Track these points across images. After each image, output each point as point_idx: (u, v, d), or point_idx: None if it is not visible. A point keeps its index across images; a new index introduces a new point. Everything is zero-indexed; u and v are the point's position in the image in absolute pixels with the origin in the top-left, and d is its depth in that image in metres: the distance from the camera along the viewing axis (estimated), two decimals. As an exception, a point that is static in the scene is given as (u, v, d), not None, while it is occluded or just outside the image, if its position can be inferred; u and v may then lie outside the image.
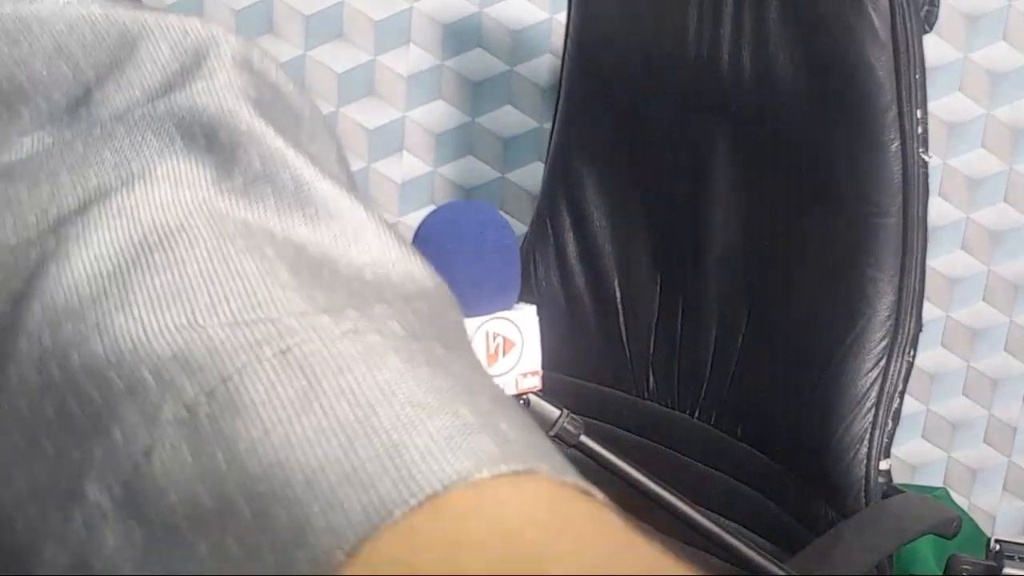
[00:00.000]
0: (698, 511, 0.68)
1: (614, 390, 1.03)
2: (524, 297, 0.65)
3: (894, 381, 0.79)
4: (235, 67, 0.24)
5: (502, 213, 0.70)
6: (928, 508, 0.81)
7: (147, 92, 0.23)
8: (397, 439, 0.16)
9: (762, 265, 0.90)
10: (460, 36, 1.37)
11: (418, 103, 1.40)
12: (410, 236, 0.65)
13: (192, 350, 0.17)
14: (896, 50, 0.78)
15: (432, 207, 0.80)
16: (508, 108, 1.40)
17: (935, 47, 1.30)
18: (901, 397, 0.80)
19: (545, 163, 1.11)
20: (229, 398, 0.16)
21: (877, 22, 0.78)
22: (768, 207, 0.89)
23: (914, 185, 0.79)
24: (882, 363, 0.79)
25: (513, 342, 0.63)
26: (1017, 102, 1.33)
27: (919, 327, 0.80)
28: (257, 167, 0.21)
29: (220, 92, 0.23)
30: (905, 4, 0.77)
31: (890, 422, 0.79)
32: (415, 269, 0.22)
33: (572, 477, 0.16)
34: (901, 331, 0.79)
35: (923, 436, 1.47)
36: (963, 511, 1.43)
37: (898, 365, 0.79)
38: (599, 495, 0.17)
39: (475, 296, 0.62)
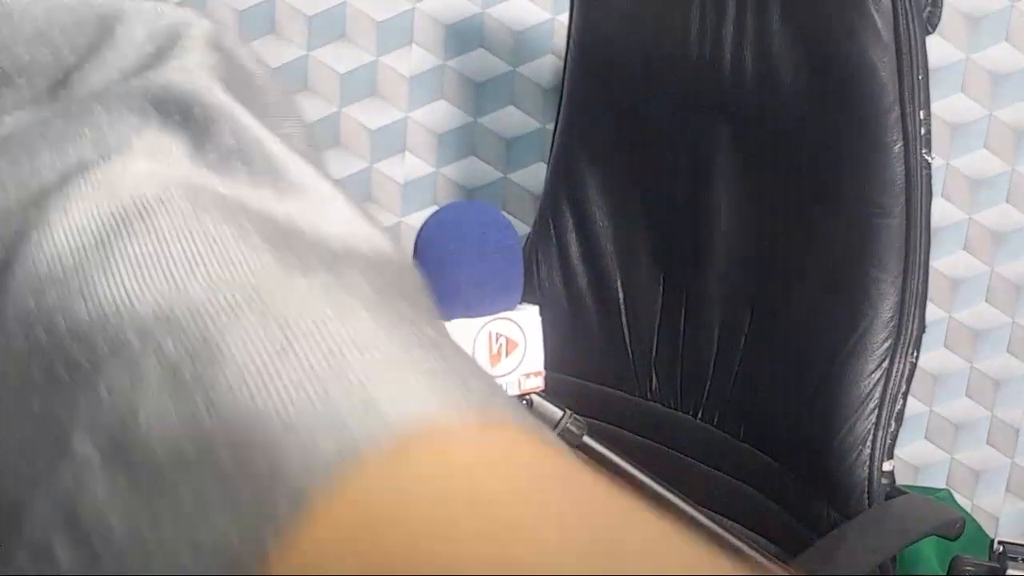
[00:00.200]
0: (701, 512, 0.68)
1: (616, 391, 1.03)
2: (527, 297, 0.65)
3: (897, 382, 0.79)
4: (207, 48, 0.25)
5: (504, 213, 0.70)
6: (931, 509, 0.81)
7: (124, 72, 0.24)
8: (369, 386, 0.16)
9: (765, 265, 0.90)
10: (462, 37, 1.37)
11: (420, 103, 1.40)
12: (413, 236, 0.65)
13: (174, 311, 0.18)
14: (899, 51, 0.78)
15: (435, 207, 0.80)
16: (510, 108, 1.40)
17: (938, 48, 1.30)
18: (904, 398, 0.80)
19: (547, 163, 1.11)
20: (211, 356, 0.17)
21: (880, 23, 0.78)
22: (771, 207, 0.89)
23: (917, 186, 0.79)
24: (885, 364, 0.79)
25: (516, 343, 0.63)
26: (1019, 103, 1.33)
27: (922, 328, 0.80)
28: (230, 142, 0.22)
29: (193, 70, 0.24)
30: (908, 5, 0.77)
31: (893, 423, 0.79)
32: (381, 242, 0.22)
33: (539, 431, 0.17)
34: (904, 332, 0.79)
35: (926, 437, 1.47)
36: (966, 512, 1.43)
37: (901, 366, 0.79)
38: (565, 448, 0.17)
39: (478, 296, 0.62)
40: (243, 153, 0.22)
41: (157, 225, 0.19)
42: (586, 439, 0.67)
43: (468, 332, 0.61)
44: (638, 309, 1.02)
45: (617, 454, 0.68)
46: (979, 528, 1.40)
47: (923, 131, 0.79)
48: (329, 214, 0.22)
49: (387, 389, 0.16)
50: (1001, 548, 1.24)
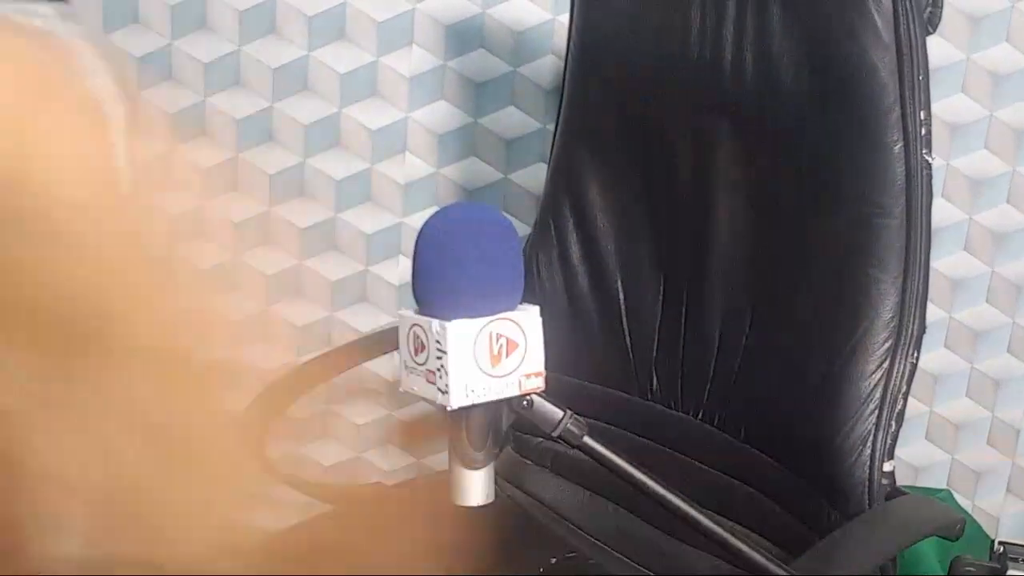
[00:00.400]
0: (701, 512, 0.68)
1: (617, 391, 1.03)
2: (527, 298, 0.65)
3: (897, 382, 0.79)
4: None
5: (505, 214, 0.70)
6: (932, 510, 0.81)
7: None
8: None
9: (765, 266, 0.90)
10: (463, 37, 1.37)
11: (421, 104, 1.40)
12: (413, 237, 0.65)
13: None
14: (899, 51, 0.78)
15: (435, 208, 0.79)
16: (511, 109, 1.40)
17: (938, 48, 1.30)
18: (905, 399, 0.79)
19: (548, 164, 1.11)
20: None
21: (880, 24, 0.78)
22: (771, 208, 0.89)
23: (917, 186, 0.79)
24: (885, 364, 0.79)
25: (516, 343, 0.63)
26: (1020, 103, 1.33)
27: (923, 328, 0.80)
28: None
29: None
30: (908, 5, 0.77)
31: (893, 424, 0.79)
32: None
33: None
34: (904, 332, 0.79)
35: (927, 438, 1.47)
36: (967, 513, 1.43)
37: (902, 366, 0.79)
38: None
39: (478, 297, 0.62)
40: None
41: None
42: (586, 439, 0.67)
43: (468, 333, 0.61)
44: (639, 309, 1.02)
45: (618, 454, 0.68)
46: (980, 529, 1.40)
47: (923, 131, 0.79)
48: None
49: None
50: (1001, 548, 1.24)
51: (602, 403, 1.03)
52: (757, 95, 0.86)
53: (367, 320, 1.49)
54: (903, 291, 0.79)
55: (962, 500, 1.47)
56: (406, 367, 0.64)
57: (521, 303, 0.65)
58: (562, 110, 1.08)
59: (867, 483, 0.78)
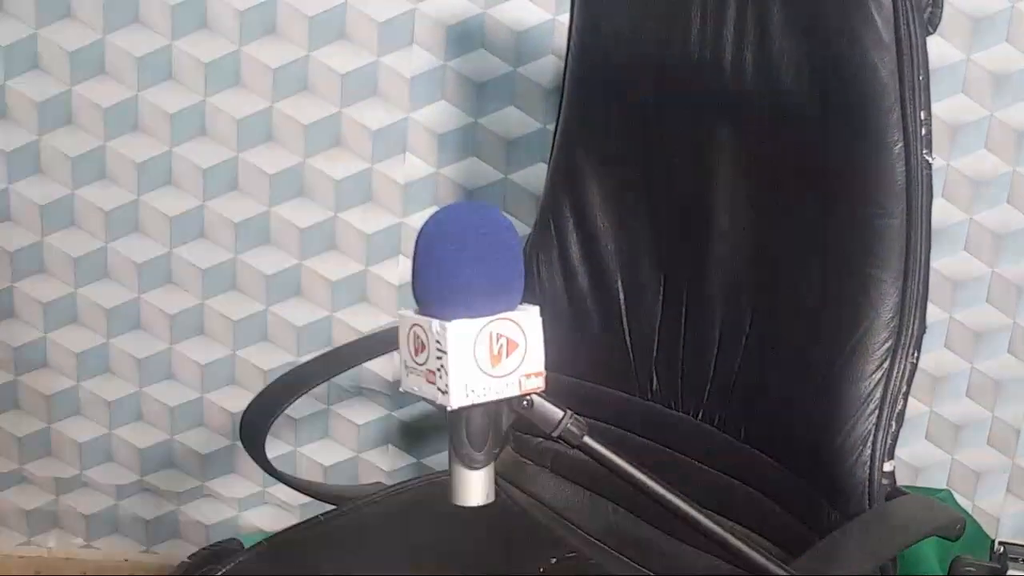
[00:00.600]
0: (701, 512, 0.68)
1: (617, 391, 1.03)
2: (527, 298, 0.65)
3: (898, 383, 0.79)
4: None
5: (505, 214, 0.70)
6: (932, 510, 0.81)
7: None
8: None
9: (765, 266, 0.90)
10: (463, 37, 1.37)
11: (421, 104, 1.40)
12: (413, 237, 0.65)
13: None
14: (899, 52, 0.78)
15: (435, 208, 0.80)
16: (511, 109, 1.40)
17: (938, 48, 1.30)
18: (905, 399, 0.79)
19: (548, 164, 1.11)
20: None
21: (880, 24, 0.78)
22: (771, 208, 0.89)
23: (918, 186, 0.79)
24: (886, 365, 0.79)
25: (516, 343, 0.63)
26: (1020, 103, 1.33)
27: (923, 328, 0.80)
28: None
29: None
30: (908, 6, 0.77)
31: (894, 424, 0.79)
32: None
33: None
34: (905, 333, 0.79)
35: (927, 438, 1.47)
36: (967, 513, 1.43)
37: (902, 367, 0.79)
38: None
39: (478, 297, 0.62)
40: None
41: None
42: (586, 439, 0.67)
43: (468, 333, 0.61)
44: (639, 309, 1.02)
45: (618, 454, 0.68)
46: (980, 529, 1.40)
47: (924, 131, 0.78)
48: None
49: None
50: (1002, 549, 1.24)
51: (602, 403, 1.03)
52: (757, 95, 0.86)
53: (367, 320, 1.49)
54: (903, 291, 0.79)
55: (962, 500, 1.47)
56: (406, 367, 0.65)
57: (521, 303, 0.65)
58: (562, 110, 1.08)
59: (867, 483, 0.78)
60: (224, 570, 0.90)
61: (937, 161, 1.06)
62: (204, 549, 0.94)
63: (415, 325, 0.63)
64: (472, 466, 0.65)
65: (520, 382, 0.63)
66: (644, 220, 1.01)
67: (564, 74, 1.07)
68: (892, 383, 0.79)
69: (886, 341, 0.79)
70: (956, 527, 0.78)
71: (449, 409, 0.62)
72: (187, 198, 1.45)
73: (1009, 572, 1.20)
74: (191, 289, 1.49)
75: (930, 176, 0.79)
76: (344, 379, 1.49)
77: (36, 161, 1.43)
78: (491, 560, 0.98)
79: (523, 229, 1.15)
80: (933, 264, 0.84)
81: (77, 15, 1.37)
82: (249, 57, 1.38)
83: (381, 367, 1.50)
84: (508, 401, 0.64)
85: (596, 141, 1.04)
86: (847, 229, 0.81)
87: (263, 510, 1.61)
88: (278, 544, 0.96)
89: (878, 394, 0.79)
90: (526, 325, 0.63)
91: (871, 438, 0.79)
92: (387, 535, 1.01)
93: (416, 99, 1.40)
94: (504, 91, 1.39)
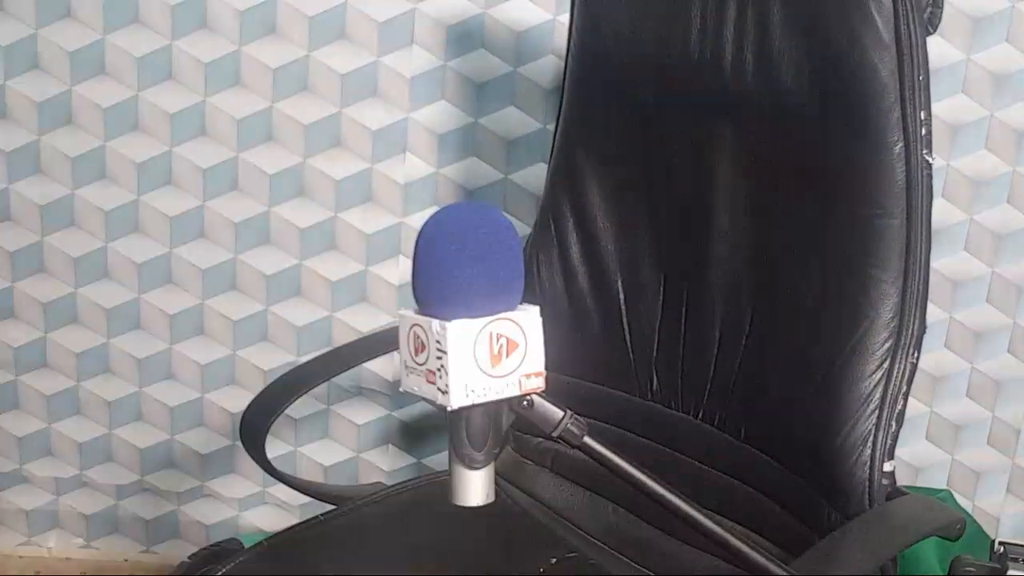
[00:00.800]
0: (701, 512, 0.68)
1: (617, 391, 1.03)
2: (527, 298, 0.65)
3: (898, 383, 0.79)
4: None
5: (505, 214, 0.70)
6: (932, 510, 0.81)
7: None
8: None
9: (765, 266, 0.90)
10: (463, 37, 1.37)
11: (421, 104, 1.40)
12: (413, 237, 0.65)
13: None
14: (899, 52, 0.78)
15: (435, 208, 0.80)
16: (511, 109, 1.40)
17: (938, 48, 1.29)
18: (905, 399, 0.79)
19: (548, 164, 1.11)
20: None
21: (880, 24, 0.78)
22: (771, 208, 0.89)
23: (918, 186, 0.79)
24: (886, 365, 0.79)
25: (517, 343, 0.63)
26: (1020, 104, 1.33)
27: (923, 329, 0.80)
28: None
29: None
30: (908, 6, 0.77)
31: (894, 424, 0.79)
32: None
33: None
34: (905, 333, 0.79)
35: (927, 438, 1.47)
36: (967, 513, 1.43)
37: (902, 367, 0.79)
38: None
39: (478, 297, 0.62)
40: None
41: None
42: (587, 439, 0.67)
43: (468, 333, 0.61)
44: (639, 309, 1.02)
45: (618, 454, 0.68)
46: (980, 529, 1.40)
47: (924, 132, 0.78)
48: None
49: None
50: (1002, 549, 1.24)
51: (602, 403, 1.03)
52: (757, 95, 0.86)
53: (367, 320, 1.49)
54: (903, 291, 0.79)
55: (962, 500, 1.47)
56: (406, 367, 0.65)
57: (521, 303, 0.65)
58: (562, 110, 1.08)
59: (867, 483, 0.78)
60: (224, 570, 0.90)
61: (937, 161, 1.06)
62: (204, 549, 0.94)
63: (415, 325, 0.63)
64: (472, 466, 0.65)
65: (520, 382, 0.63)
66: (644, 220, 1.01)
67: (564, 74, 1.07)
68: (892, 383, 0.79)
69: (886, 341, 0.79)
70: (956, 527, 0.78)
71: (449, 409, 0.62)
72: (187, 198, 1.45)
73: (1009, 572, 1.20)
74: (191, 289, 1.49)
75: (930, 176, 0.79)
76: (344, 379, 1.49)
77: (36, 161, 1.43)
78: (491, 560, 0.98)
79: (523, 229, 1.15)
80: (933, 264, 0.84)
81: (77, 15, 1.37)
82: (249, 57, 1.38)
83: (381, 367, 1.50)
84: (508, 401, 0.64)
85: (596, 141, 1.04)
86: (847, 229, 0.81)
87: (263, 510, 1.61)
88: (278, 544, 0.96)
89: (878, 394, 0.79)
90: (526, 325, 0.63)
91: (871, 438, 0.79)
92: (387, 535, 1.01)
93: (416, 99, 1.40)
94: (504, 91, 1.39)
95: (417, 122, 1.41)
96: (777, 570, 0.66)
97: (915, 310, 0.79)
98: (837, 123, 0.81)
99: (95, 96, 1.40)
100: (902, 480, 0.80)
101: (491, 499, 0.67)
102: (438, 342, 0.61)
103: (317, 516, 1.01)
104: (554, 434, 0.66)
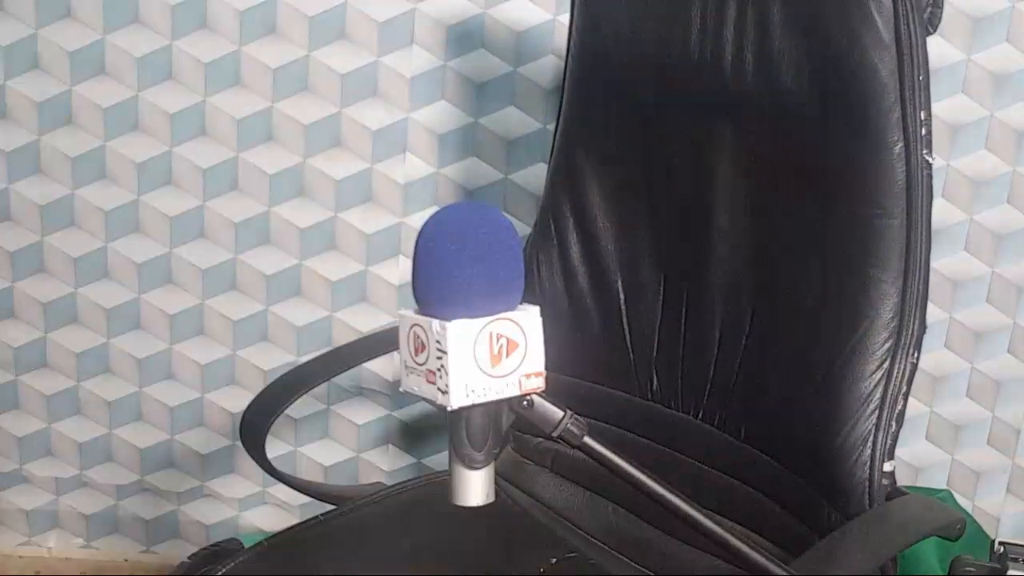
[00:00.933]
0: (701, 512, 0.68)
1: (617, 391, 1.03)
2: (527, 298, 0.65)
3: (898, 383, 0.79)
4: None
5: (505, 214, 0.70)
6: (932, 510, 0.81)
7: None
8: None
9: (766, 266, 0.90)
10: (463, 37, 1.37)
11: (421, 104, 1.40)
12: (413, 237, 0.65)
13: None
14: (899, 52, 0.78)
15: (435, 208, 0.80)
16: (511, 109, 1.40)
17: (938, 48, 1.30)
18: (905, 399, 0.79)
19: (548, 164, 1.11)
20: None
21: (880, 24, 0.78)
22: (771, 208, 0.89)
23: (918, 186, 0.79)
24: (886, 365, 0.79)
25: (517, 343, 0.63)
26: (1020, 104, 1.33)
27: (923, 329, 0.80)
28: None
29: None
30: (908, 6, 0.77)
31: (894, 424, 0.79)
32: None
33: None
34: (905, 333, 0.79)
35: (927, 438, 1.47)
36: (967, 513, 1.43)
37: (902, 367, 0.79)
38: None
39: (479, 297, 0.62)
40: None
41: None
42: (587, 439, 0.67)
43: (468, 333, 0.61)
44: (639, 309, 1.02)
45: (618, 454, 0.68)
46: (980, 529, 1.40)
47: (924, 132, 0.78)
48: None
49: None
50: (1002, 549, 1.24)
51: (602, 403, 1.03)
52: (757, 95, 0.86)
53: (367, 320, 1.49)
54: (903, 291, 0.79)
55: (962, 500, 1.47)
56: (406, 367, 0.65)
57: (521, 303, 0.65)
58: (562, 110, 1.08)
59: (867, 483, 0.78)
60: (224, 570, 0.90)
61: (937, 161, 1.07)
62: (204, 549, 0.94)
63: (415, 325, 0.63)
64: (472, 466, 0.65)
65: (520, 382, 0.63)
66: (644, 220, 1.01)
67: (564, 74, 1.07)
68: (892, 383, 0.79)
69: (886, 341, 0.79)
70: (956, 527, 0.78)
71: (449, 409, 0.62)
72: (187, 198, 1.45)
73: (1009, 572, 1.20)
74: (191, 289, 1.49)
75: (930, 176, 0.79)
76: (344, 379, 1.49)
77: (36, 161, 1.43)
78: (491, 560, 0.98)
79: (523, 229, 1.15)
80: (933, 264, 0.84)
81: (77, 15, 1.37)
82: (249, 57, 1.38)
83: (381, 367, 1.50)
84: (508, 401, 0.64)
85: (596, 141, 1.04)
86: (847, 229, 0.81)
87: (263, 510, 1.61)
88: (278, 544, 0.96)
89: (878, 394, 0.79)
90: (526, 325, 0.63)
91: (871, 438, 0.79)
92: (387, 535, 1.01)
93: (416, 99, 1.40)
94: (504, 91, 1.39)
95: (417, 122, 1.41)
96: (777, 570, 0.67)
97: (915, 310, 0.79)
98: (837, 123, 0.81)
99: (95, 96, 1.40)
100: (902, 480, 0.80)
101: (491, 499, 0.67)
102: (438, 342, 0.61)
103: (317, 516, 1.01)
104: (554, 434, 0.66)
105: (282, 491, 1.57)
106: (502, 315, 0.62)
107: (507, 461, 1.13)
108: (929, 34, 0.79)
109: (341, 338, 1.49)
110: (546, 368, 0.64)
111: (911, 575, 1.23)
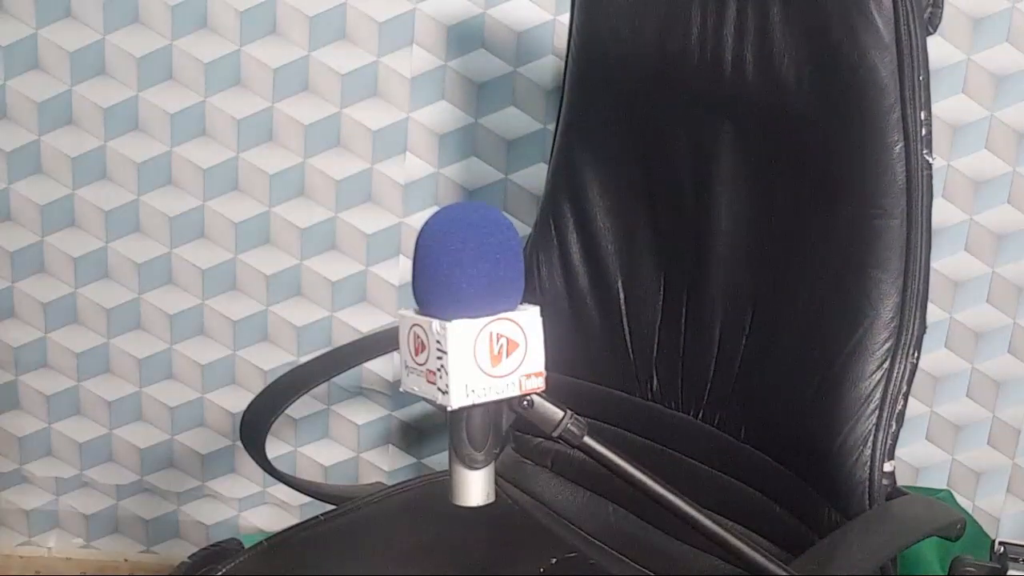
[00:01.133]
0: (701, 512, 0.68)
1: (617, 391, 1.03)
2: (527, 298, 0.65)
3: (898, 383, 0.79)
4: None
5: (505, 214, 0.70)
6: (932, 510, 0.81)
7: None
8: None
9: (766, 266, 0.90)
10: (463, 37, 1.37)
11: (421, 104, 1.40)
12: (413, 237, 0.65)
13: None
14: (900, 52, 0.78)
15: (435, 208, 0.80)
16: (511, 109, 1.40)
17: (939, 48, 1.30)
18: (905, 399, 0.79)
19: (548, 164, 1.11)
20: None
21: (880, 24, 0.78)
22: (772, 208, 0.89)
23: (918, 187, 0.79)
24: (886, 365, 0.79)
25: (517, 343, 0.63)
26: (1021, 104, 1.33)
27: (923, 329, 0.80)
28: None
29: None
30: (908, 6, 0.77)
31: (894, 424, 0.79)
32: None
33: None
34: (905, 333, 0.79)
35: (927, 438, 1.47)
36: (967, 513, 1.43)
37: (902, 367, 0.79)
38: None
39: (479, 297, 0.62)
40: None
41: None
42: (587, 439, 0.67)
43: (469, 333, 0.61)
44: (639, 309, 1.02)
45: (618, 454, 0.68)
46: (980, 529, 1.40)
47: (924, 132, 0.78)
48: None
49: None
50: (1002, 549, 1.24)
51: (602, 403, 1.03)
52: (757, 95, 0.86)
53: (367, 320, 1.49)
54: (903, 291, 0.79)
55: (962, 500, 1.47)
56: (406, 367, 0.65)
57: (521, 303, 0.65)
58: (562, 110, 1.08)
59: (867, 483, 0.78)
60: (224, 570, 0.90)
61: (937, 161, 1.07)
62: (204, 549, 0.94)
63: (415, 325, 0.63)
64: (472, 466, 0.65)
65: (520, 382, 0.63)
66: (645, 220, 1.01)
67: (564, 74, 1.07)
68: (892, 383, 0.79)
69: (886, 341, 0.79)
70: (956, 527, 0.78)
71: (449, 409, 0.62)
72: (187, 198, 1.45)
73: (1009, 572, 1.20)
74: (191, 289, 1.49)
75: (930, 176, 0.79)
76: (344, 379, 1.49)
77: (36, 161, 1.43)
78: (491, 560, 0.98)
79: (523, 229, 1.15)
80: (933, 264, 0.84)
81: (77, 15, 1.37)
82: (249, 57, 1.38)
83: (381, 367, 1.50)
84: (508, 401, 0.64)
85: (596, 141, 1.04)
86: (847, 229, 0.81)
87: (263, 510, 1.61)
88: (278, 544, 0.96)
89: (878, 394, 0.79)
90: (526, 325, 0.63)
91: (871, 438, 0.79)
92: (387, 535, 1.01)
93: (416, 99, 1.40)
94: (504, 91, 1.39)
95: (417, 122, 1.41)
96: (777, 570, 0.66)
97: (915, 310, 0.79)
98: (837, 123, 0.81)
99: (95, 96, 1.40)
100: (902, 480, 0.80)
101: (491, 499, 0.67)
102: (438, 342, 0.61)
103: (317, 516, 1.01)
104: (554, 434, 0.66)
105: (282, 491, 1.57)
106: (502, 315, 0.62)
107: (507, 461, 1.13)
108: (929, 34, 0.79)
109: (341, 338, 1.49)
110: (546, 368, 0.64)
111: (911, 575, 1.23)
